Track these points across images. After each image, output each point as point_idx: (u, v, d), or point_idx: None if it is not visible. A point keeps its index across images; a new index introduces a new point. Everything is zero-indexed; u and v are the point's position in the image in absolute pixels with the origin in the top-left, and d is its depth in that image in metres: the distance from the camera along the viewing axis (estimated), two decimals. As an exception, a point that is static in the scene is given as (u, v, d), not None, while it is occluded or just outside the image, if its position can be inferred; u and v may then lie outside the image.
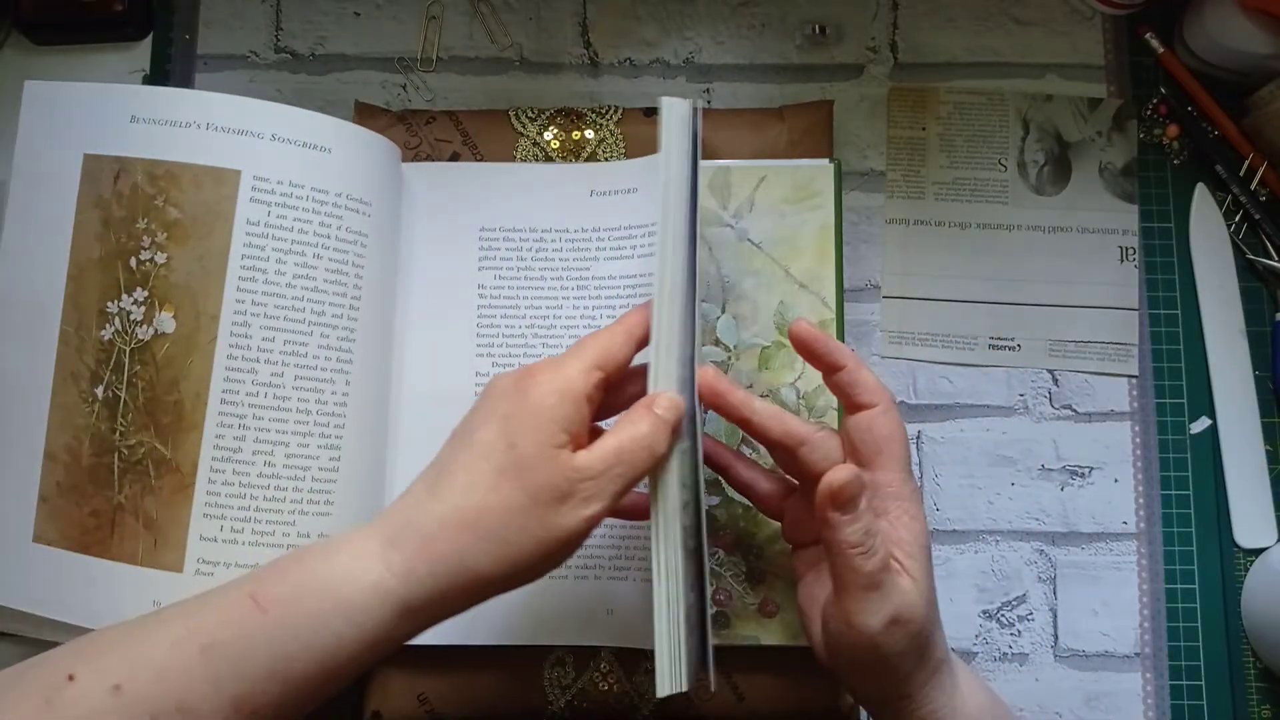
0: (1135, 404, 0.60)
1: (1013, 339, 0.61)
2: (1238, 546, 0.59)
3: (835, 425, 0.54)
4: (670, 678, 0.41)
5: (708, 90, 0.64)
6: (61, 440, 0.51)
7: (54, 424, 0.52)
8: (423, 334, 0.57)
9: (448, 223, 0.58)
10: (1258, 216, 0.61)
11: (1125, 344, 0.61)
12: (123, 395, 0.51)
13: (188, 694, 0.36)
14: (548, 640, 0.54)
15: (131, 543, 0.51)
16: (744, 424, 0.46)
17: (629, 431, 0.41)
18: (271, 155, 0.52)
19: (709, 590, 0.46)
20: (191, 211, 0.52)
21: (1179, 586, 0.58)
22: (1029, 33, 0.64)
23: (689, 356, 0.46)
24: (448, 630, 0.52)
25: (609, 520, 0.53)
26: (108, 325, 0.52)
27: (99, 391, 0.51)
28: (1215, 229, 0.62)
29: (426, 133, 0.60)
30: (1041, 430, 0.60)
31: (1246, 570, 0.58)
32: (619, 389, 0.45)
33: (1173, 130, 0.63)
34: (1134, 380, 0.60)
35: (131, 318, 0.51)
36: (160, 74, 0.63)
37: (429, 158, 0.59)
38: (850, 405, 0.45)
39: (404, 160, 0.58)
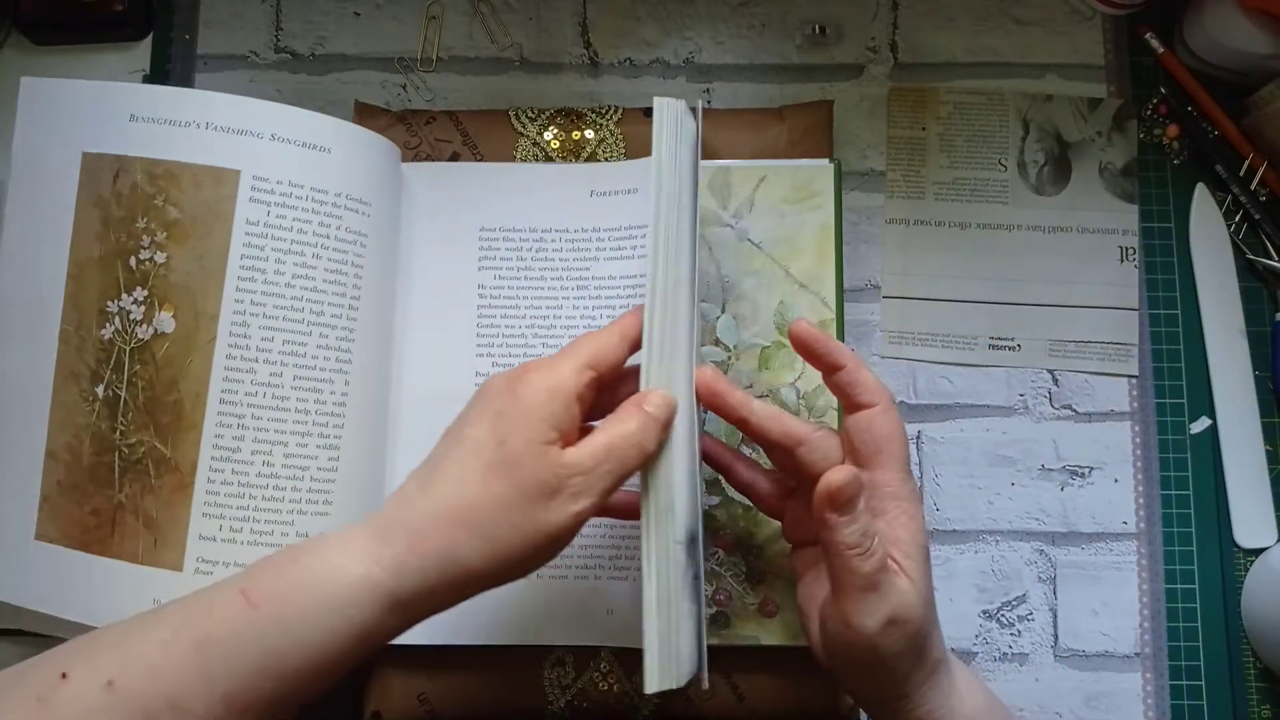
0: (1135, 404, 0.60)
1: (1013, 339, 0.61)
2: (1238, 546, 0.59)
3: (835, 425, 0.54)
4: (660, 675, 0.41)
5: (708, 90, 0.64)
6: (62, 439, 0.51)
7: (55, 423, 0.52)
8: (422, 334, 0.57)
9: (448, 223, 0.58)
10: (1258, 216, 0.61)
11: (1125, 344, 0.61)
12: (123, 394, 0.51)
13: (180, 690, 0.36)
14: (548, 640, 0.54)
15: (132, 541, 0.51)
16: (742, 424, 0.46)
17: (618, 429, 0.41)
18: (271, 155, 0.52)
19: (704, 590, 0.46)
20: (191, 211, 0.51)
21: (1179, 586, 0.58)
22: (1029, 33, 0.64)
23: (688, 356, 0.46)
24: (448, 630, 0.53)
25: (609, 520, 0.53)
26: (108, 325, 0.51)
27: (99, 391, 0.51)
28: (1215, 229, 0.62)
29: (426, 133, 0.60)
30: (1041, 430, 0.60)
31: (1246, 570, 0.58)
32: (613, 389, 0.45)
33: (1173, 130, 0.63)
34: (1134, 380, 0.60)
35: (131, 317, 0.51)
36: (160, 74, 0.63)
37: (429, 158, 0.59)
38: (850, 405, 0.45)
39: (404, 160, 0.58)
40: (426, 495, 0.40)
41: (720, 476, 0.52)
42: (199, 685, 0.37)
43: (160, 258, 0.51)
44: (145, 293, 0.51)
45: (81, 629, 0.50)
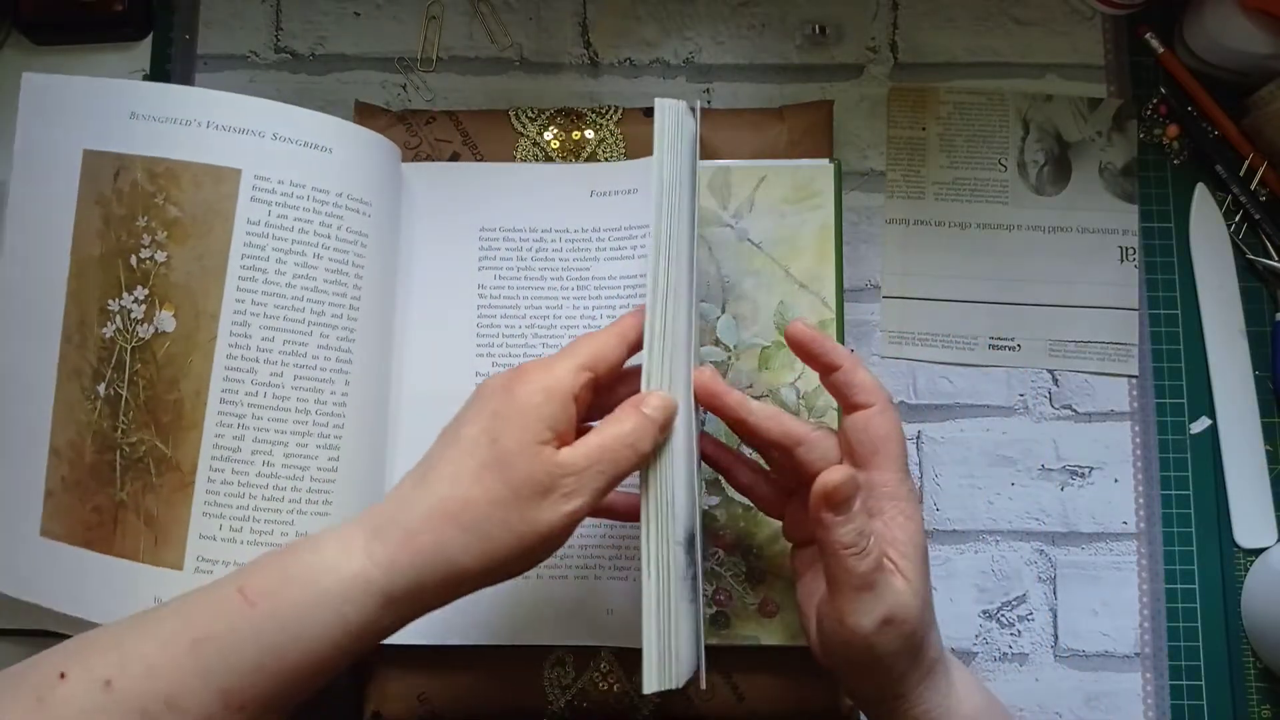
0: (1135, 404, 0.60)
1: (1013, 339, 0.61)
2: (1238, 546, 0.59)
3: (834, 425, 0.54)
4: (658, 675, 0.41)
5: (708, 90, 0.64)
6: (65, 436, 0.51)
7: (58, 420, 0.52)
8: (423, 334, 0.57)
9: (448, 223, 0.58)
10: (1258, 216, 0.61)
11: (1125, 344, 0.61)
12: (124, 393, 0.51)
13: (177, 688, 0.37)
14: (548, 640, 0.54)
15: (133, 539, 0.51)
16: (740, 424, 0.46)
17: (613, 429, 0.42)
18: (272, 154, 0.52)
19: (704, 590, 0.46)
20: (191, 210, 0.51)
21: (1179, 586, 0.58)
22: (1029, 33, 0.64)
23: (686, 357, 0.46)
24: (449, 630, 0.53)
25: (609, 521, 0.53)
26: (109, 323, 0.51)
27: (101, 389, 0.51)
28: (1215, 229, 0.62)
29: (426, 133, 0.60)
30: (1041, 430, 0.60)
31: (1246, 570, 0.58)
32: (612, 390, 0.45)
33: (1173, 130, 0.63)
34: (1134, 380, 0.60)
35: (132, 316, 0.51)
36: (160, 74, 0.63)
37: (429, 158, 0.59)
38: (847, 405, 0.45)
39: (404, 160, 0.58)
40: (421, 493, 0.41)
41: (720, 477, 0.52)
42: (196, 683, 0.37)
43: (161, 256, 0.51)
44: (146, 291, 0.51)
45: (84, 625, 0.50)
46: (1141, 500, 0.59)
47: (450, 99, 0.64)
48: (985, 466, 0.60)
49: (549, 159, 0.59)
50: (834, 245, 0.56)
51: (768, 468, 0.50)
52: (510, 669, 0.54)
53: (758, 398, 0.53)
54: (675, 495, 0.43)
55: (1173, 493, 0.59)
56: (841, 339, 0.56)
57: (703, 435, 0.50)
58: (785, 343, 0.47)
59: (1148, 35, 0.63)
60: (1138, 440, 0.60)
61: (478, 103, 0.63)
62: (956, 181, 0.62)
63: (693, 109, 0.49)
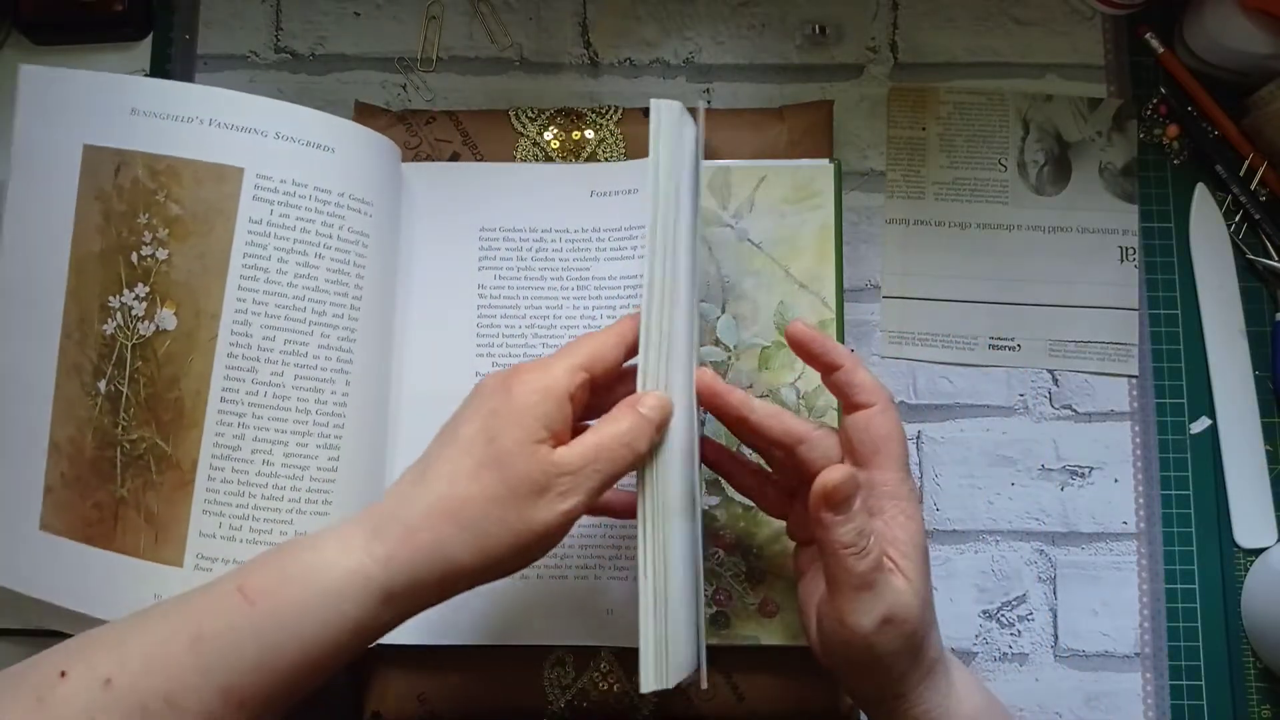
0: (1135, 404, 0.60)
1: (1013, 339, 0.61)
2: (1238, 546, 0.59)
3: (834, 425, 0.54)
4: (656, 675, 0.41)
5: (708, 90, 0.64)
6: (65, 432, 0.51)
7: (57, 415, 0.51)
8: (423, 334, 0.57)
9: (448, 223, 0.58)
10: (1258, 216, 0.61)
11: (1125, 344, 0.61)
12: (124, 390, 0.51)
13: (177, 686, 0.37)
14: (548, 640, 0.54)
15: (133, 536, 0.51)
16: (742, 423, 0.46)
17: (609, 429, 0.42)
18: (275, 154, 0.52)
19: (704, 590, 0.46)
20: (192, 208, 0.51)
21: (1179, 586, 0.58)
22: (1029, 33, 0.64)
23: (687, 358, 0.46)
24: (449, 630, 0.53)
25: (609, 520, 0.53)
26: (109, 320, 0.51)
27: (101, 386, 0.51)
28: (1215, 229, 0.62)
29: (426, 133, 0.60)
30: (1041, 430, 0.60)
31: (1246, 570, 0.58)
32: (610, 391, 0.45)
33: (1173, 130, 0.63)
34: (1134, 380, 0.60)
35: (133, 313, 0.51)
36: (160, 74, 0.63)
37: (429, 158, 0.59)
38: (848, 405, 0.45)
39: (404, 160, 0.58)
40: (419, 491, 0.41)
41: (720, 478, 0.52)
42: (196, 681, 0.37)
43: (162, 254, 0.51)
44: (147, 289, 0.51)
45: (84, 620, 0.50)
46: (1141, 500, 0.59)
47: (450, 99, 0.64)
48: (985, 466, 0.60)
49: (549, 159, 0.59)
50: (834, 245, 0.56)
51: (769, 469, 0.50)
52: (510, 669, 0.54)
53: (758, 398, 0.53)
54: (673, 495, 0.43)
55: (1173, 493, 0.59)
56: (841, 339, 0.56)
57: (703, 439, 0.50)
58: (785, 343, 0.47)
59: (1148, 35, 0.63)
60: (1138, 440, 0.60)
61: (478, 103, 0.63)
62: (956, 181, 0.62)
63: (693, 110, 0.49)
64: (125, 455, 0.51)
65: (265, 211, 0.52)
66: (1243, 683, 0.57)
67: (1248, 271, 0.61)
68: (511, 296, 0.57)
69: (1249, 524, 0.59)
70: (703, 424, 0.52)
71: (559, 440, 0.41)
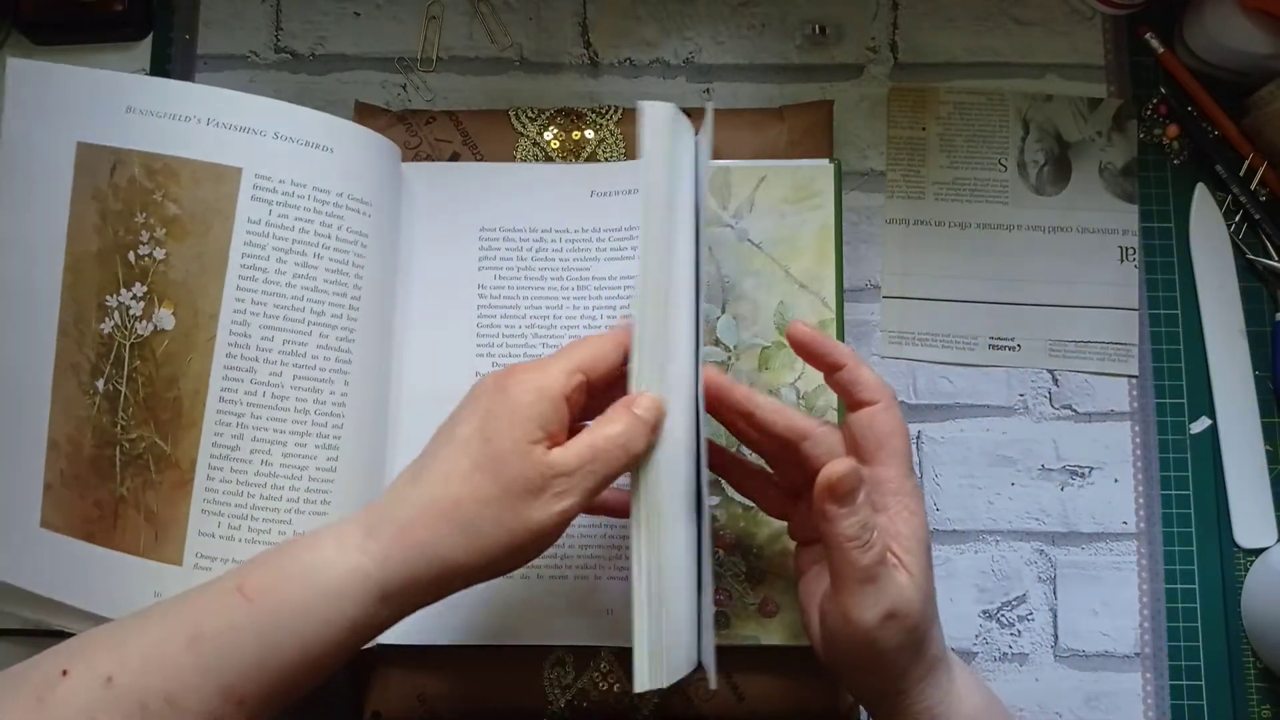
0: (1135, 404, 0.60)
1: (1013, 339, 0.61)
2: (1238, 546, 0.59)
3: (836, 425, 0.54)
4: (651, 675, 0.41)
5: (708, 90, 0.64)
6: (63, 430, 0.51)
7: (55, 413, 0.51)
8: (423, 334, 0.57)
9: (448, 223, 0.58)
10: (1258, 216, 0.61)
11: (1125, 344, 0.61)
12: (123, 389, 0.51)
13: (177, 684, 0.37)
14: (548, 640, 0.54)
15: (133, 534, 0.51)
16: (747, 418, 0.46)
17: (604, 430, 0.42)
18: (274, 154, 0.52)
19: (710, 590, 0.46)
20: (191, 208, 0.51)
21: (1179, 586, 0.58)
22: (1029, 33, 0.64)
23: (690, 357, 0.46)
24: (449, 630, 0.53)
25: (609, 520, 0.53)
26: (107, 319, 0.51)
27: (99, 385, 0.51)
28: (1215, 229, 0.62)
29: (426, 133, 0.60)
30: (1041, 430, 0.60)
31: (1246, 570, 0.58)
32: (607, 393, 0.45)
33: (1173, 130, 0.63)
34: (1134, 380, 0.60)
35: (131, 312, 0.51)
36: (160, 74, 0.63)
37: (429, 158, 0.59)
38: (852, 403, 0.45)
39: (404, 160, 0.58)
40: (415, 490, 0.41)
41: (722, 478, 0.52)
42: (196, 679, 0.37)
43: (160, 254, 0.51)
44: (145, 288, 0.51)
45: (84, 615, 0.50)
46: (1141, 500, 0.59)
47: (450, 99, 0.64)
48: (985, 466, 0.60)
49: (549, 159, 0.59)
50: (834, 245, 0.56)
51: (769, 470, 0.50)
52: (510, 669, 0.54)
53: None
54: (671, 494, 0.43)
55: (1173, 493, 0.59)
56: (841, 339, 0.56)
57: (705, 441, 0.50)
58: (785, 343, 0.47)
59: (1148, 35, 0.63)
60: (1138, 440, 0.60)
61: (478, 103, 0.63)
62: (956, 181, 0.62)
63: (688, 111, 0.49)
64: (124, 454, 0.51)
65: (264, 211, 0.52)
66: (1243, 683, 0.57)
67: (1248, 271, 0.61)
68: (511, 296, 0.57)
69: (1249, 524, 0.59)
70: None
71: (555, 441, 0.41)
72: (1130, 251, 0.61)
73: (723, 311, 0.56)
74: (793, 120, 0.59)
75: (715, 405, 0.47)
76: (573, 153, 0.59)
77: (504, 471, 0.40)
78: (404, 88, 0.64)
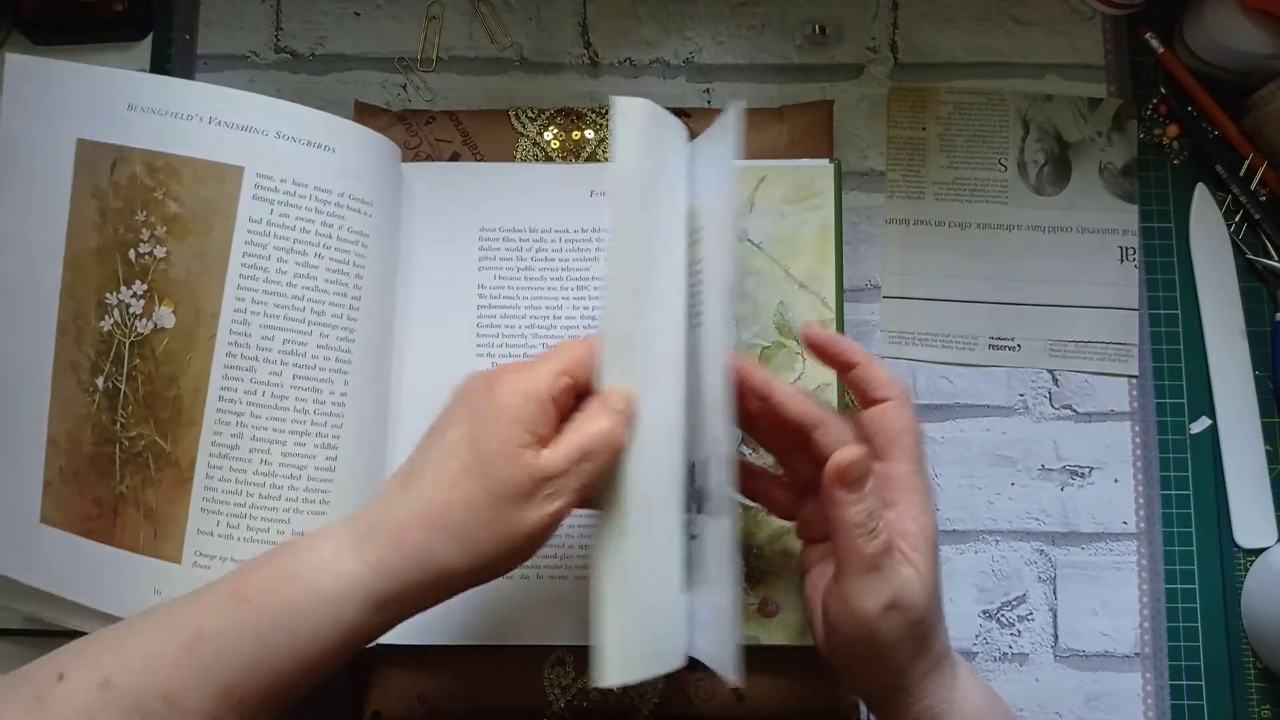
0: (1135, 404, 0.60)
1: (1013, 339, 0.61)
2: (1238, 546, 0.59)
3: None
4: (619, 669, 0.41)
5: (708, 90, 0.64)
6: (63, 427, 0.51)
7: (55, 411, 0.51)
8: (423, 334, 0.57)
9: (448, 223, 0.58)
10: (1258, 216, 0.61)
11: (1125, 344, 0.61)
12: (122, 387, 0.51)
13: (175, 685, 0.37)
14: (548, 640, 0.54)
15: (133, 532, 0.51)
16: (763, 402, 0.46)
17: (590, 428, 0.42)
18: (276, 153, 0.52)
19: (728, 586, 0.45)
20: (192, 206, 0.51)
21: (1179, 586, 0.58)
22: (1029, 33, 0.64)
23: (680, 352, 0.46)
24: (449, 631, 0.53)
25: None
26: (107, 317, 0.51)
27: (99, 382, 0.51)
28: (1215, 229, 0.62)
29: (426, 133, 0.60)
30: (1041, 430, 0.60)
31: (1246, 570, 0.58)
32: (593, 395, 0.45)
33: (1173, 130, 0.63)
34: (1134, 380, 0.60)
35: (131, 311, 0.51)
36: (160, 74, 0.63)
37: (429, 158, 0.59)
38: (864, 400, 0.46)
39: (404, 160, 0.58)
40: (406, 495, 0.41)
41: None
42: (195, 680, 0.38)
43: (160, 252, 0.51)
44: (145, 287, 0.51)
45: (83, 610, 0.51)
46: (1141, 500, 0.59)
47: (450, 99, 0.64)
48: (985, 466, 0.60)
49: (549, 159, 0.59)
50: (834, 245, 0.56)
51: (773, 472, 0.50)
52: (510, 669, 0.54)
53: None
54: (651, 484, 0.43)
55: (1173, 493, 0.59)
56: (841, 338, 0.56)
57: None
58: (785, 343, 0.47)
59: (1148, 35, 0.63)
60: (1138, 440, 0.60)
61: (478, 103, 0.63)
62: (956, 181, 0.62)
63: (685, 112, 0.48)
64: (124, 452, 0.51)
65: (265, 211, 0.52)
66: (1243, 683, 0.57)
67: (1248, 271, 0.61)
68: (511, 296, 0.57)
69: (1249, 524, 0.59)
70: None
71: (542, 443, 0.41)
72: (1130, 251, 0.61)
73: (723, 311, 0.56)
74: (793, 120, 0.59)
75: (735, 386, 0.46)
76: (573, 153, 0.59)
77: (493, 476, 0.40)
78: (404, 88, 0.64)
